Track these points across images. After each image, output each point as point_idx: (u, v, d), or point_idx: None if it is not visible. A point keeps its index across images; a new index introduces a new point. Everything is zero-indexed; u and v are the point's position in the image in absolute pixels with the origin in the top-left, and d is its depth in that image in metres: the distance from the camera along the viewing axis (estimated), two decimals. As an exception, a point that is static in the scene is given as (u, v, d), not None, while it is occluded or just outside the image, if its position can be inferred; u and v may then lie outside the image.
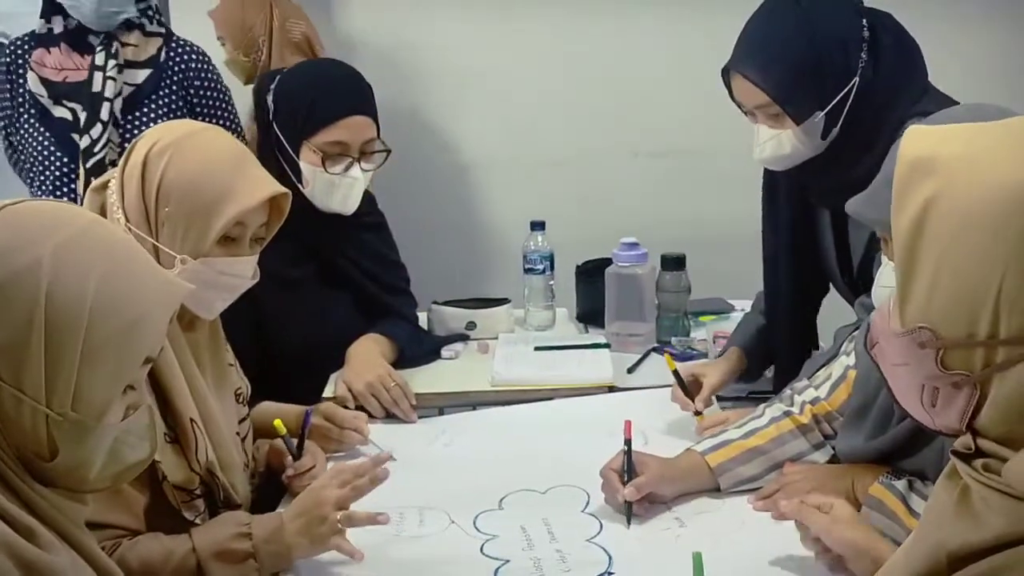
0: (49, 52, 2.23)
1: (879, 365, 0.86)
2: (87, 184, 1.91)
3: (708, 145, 2.83)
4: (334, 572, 1.34)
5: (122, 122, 2.19)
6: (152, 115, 2.20)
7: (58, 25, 2.24)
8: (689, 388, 1.74)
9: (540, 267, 2.24)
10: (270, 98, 1.93)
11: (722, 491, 1.48)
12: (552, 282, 2.26)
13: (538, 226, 2.24)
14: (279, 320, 1.91)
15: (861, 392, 1.39)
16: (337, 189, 1.90)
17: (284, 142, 1.90)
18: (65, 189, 2.22)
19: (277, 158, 1.90)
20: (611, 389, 1.92)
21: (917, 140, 0.80)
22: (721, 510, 1.45)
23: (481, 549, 1.39)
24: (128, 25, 2.23)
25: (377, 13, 2.94)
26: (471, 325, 2.20)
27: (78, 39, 2.22)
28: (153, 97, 2.21)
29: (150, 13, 2.28)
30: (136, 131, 2.17)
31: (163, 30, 2.30)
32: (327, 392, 1.89)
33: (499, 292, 2.31)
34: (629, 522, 1.41)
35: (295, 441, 1.58)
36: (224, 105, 2.34)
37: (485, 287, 2.45)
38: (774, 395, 1.62)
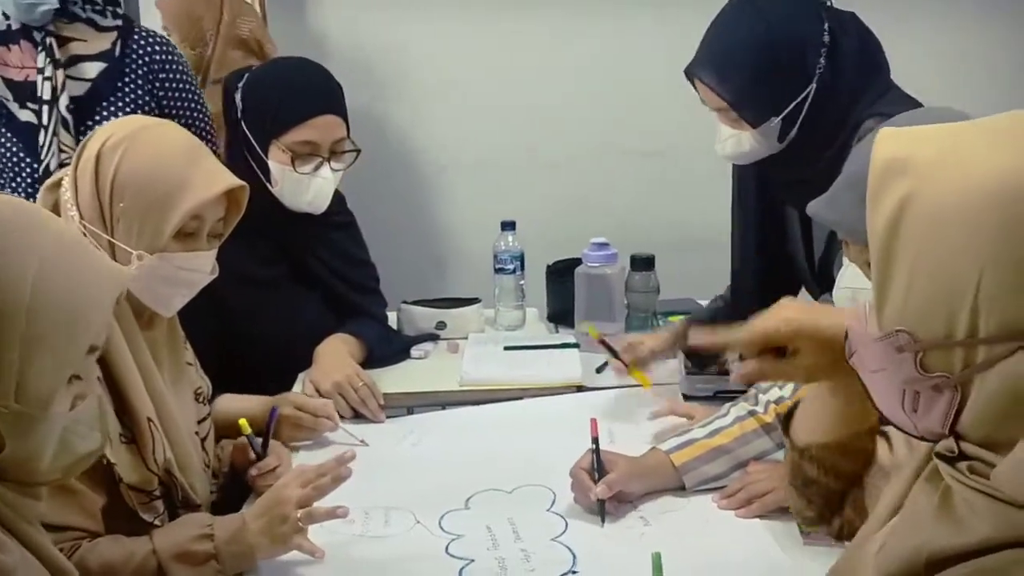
0: (10, 50, 2.10)
1: (860, 375, 0.84)
2: None
3: (679, 147, 2.84)
4: (297, 572, 1.33)
5: (80, 126, 2.04)
6: (118, 114, 2.09)
7: (15, 21, 2.08)
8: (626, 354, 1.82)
9: (510, 267, 2.24)
10: (238, 96, 1.91)
11: (687, 490, 1.48)
12: (522, 282, 2.26)
13: (508, 226, 2.24)
14: (248, 320, 1.89)
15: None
16: (307, 189, 1.89)
17: (252, 141, 1.89)
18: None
19: (245, 157, 1.89)
20: (579, 389, 1.93)
21: (890, 141, 0.79)
22: (686, 509, 1.46)
23: (446, 549, 1.39)
24: (71, 17, 2.08)
25: (348, 13, 2.93)
26: (441, 325, 2.20)
27: (29, 36, 2.07)
28: (118, 95, 2.11)
29: (98, 5, 2.10)
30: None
31: (118, 23, 2.14)
32: (295, 391, 1.88)
33: (469, 292, 2.31)
34: (603, 520, 1.41)
35: (260, 441, 1.57)
36: (195, 97, 2.23)
37: (455, 287, 2.45)
38: (740, 395, 1.63)
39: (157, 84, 2.13)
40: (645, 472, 1.48)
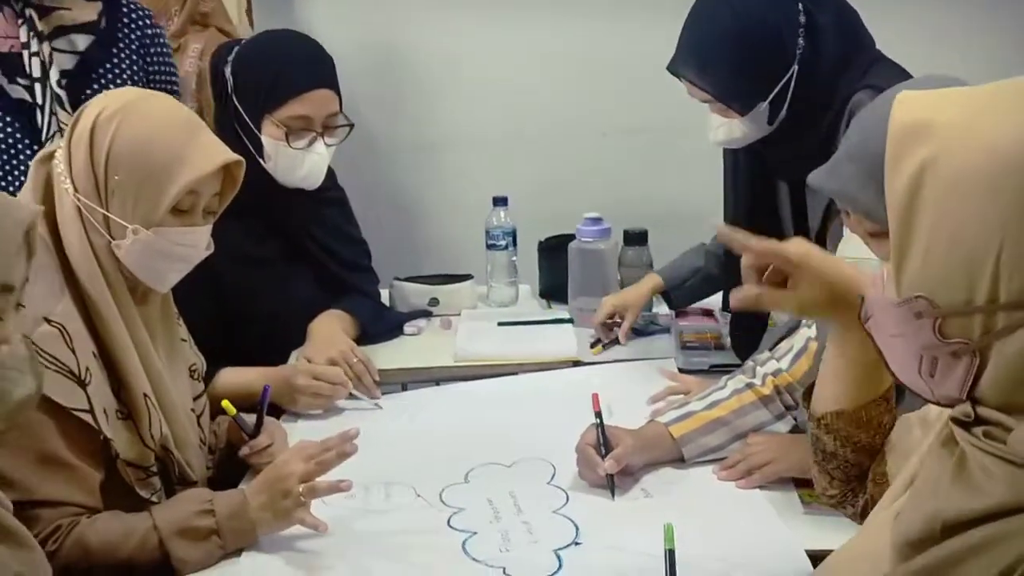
0: None
1: (874, 338, 0.84)
2: None
3: (671, 124, 2.81)
4: (299, 547, 1.33)
5: (74, 102, 1.93)
6: (110, 87, 1.98)
7: None
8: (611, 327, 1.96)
9: (503, 243, 2.23)
10: (228, 70, 1.88)
11: (686, 461, 1.49)
12: (515, 258, 2.26)
13: (501, 202, 2.23)
14: (242, 298, 1.88)
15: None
16: (301, 164, 1.87)
17: (244, 115, 1.86)
18: None
19: (236, 131, 1.86)
20: (575, 364, 1.93)
21: (910, 104, 0.78)
22: (686, 480, 1.47)
23: (448, 522, 1.39)
24: None
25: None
26: (434, 301, 2.19)
27: (9, 2, 1.94)
28: (109, 67, 2.05)
29: None
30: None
31: None
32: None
33: (462, 268, 2.30)
34: (613, 494, 1.42)
35: (249, 420, 1.54)
36: (175, 73, 2.17)
37: (448, 263, 2.44)
38: (737, 368, 1.64)
39: (148, 59, 2.07)
40: (645, 445, 1.49)
